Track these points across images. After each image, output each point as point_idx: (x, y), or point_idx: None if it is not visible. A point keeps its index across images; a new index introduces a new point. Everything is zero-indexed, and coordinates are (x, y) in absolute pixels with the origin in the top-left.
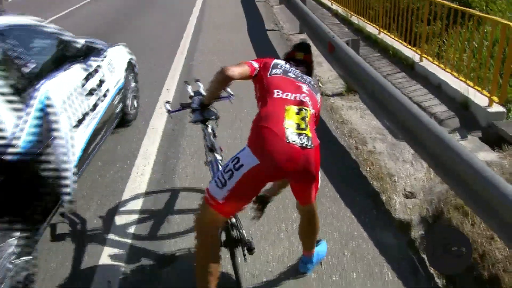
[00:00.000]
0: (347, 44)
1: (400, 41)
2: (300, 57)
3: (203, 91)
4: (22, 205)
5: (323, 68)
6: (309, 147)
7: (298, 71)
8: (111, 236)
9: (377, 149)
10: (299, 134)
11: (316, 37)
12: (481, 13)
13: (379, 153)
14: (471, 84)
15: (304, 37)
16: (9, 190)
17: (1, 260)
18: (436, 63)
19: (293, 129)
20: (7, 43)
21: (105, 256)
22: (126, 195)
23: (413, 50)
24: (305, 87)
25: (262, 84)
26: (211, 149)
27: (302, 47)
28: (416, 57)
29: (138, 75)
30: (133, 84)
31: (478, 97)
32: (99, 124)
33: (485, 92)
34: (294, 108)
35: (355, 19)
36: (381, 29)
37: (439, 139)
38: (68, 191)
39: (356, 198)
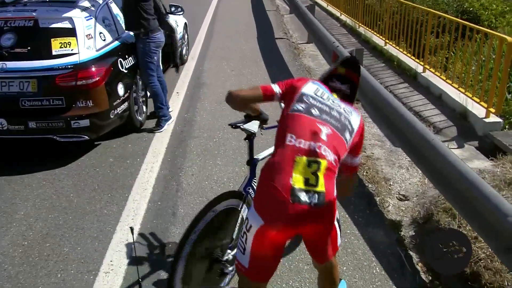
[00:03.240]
0: (351, 54)
1: (405, 53)
2: (341, 72)
3: None
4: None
5: None
6: (319, 205)
7: (330, 100)
8: (119, 226)
9: (375, 154)
10: (307, 192)
11: (322, 47)
12: (480, 27)
13: (376, 159)
14: (470, 95)
15: (311, 46)
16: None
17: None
18: (438, 74)
19: (300, 185)
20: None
21: (113, 243)
22: (135, 189)
23: (416, 61)
24: (325, 130)
25: (282, 120)
26: None
27: (347, 62)
28: (419, 68)
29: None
30: (186, 36)
31: (476, 108)
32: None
33: (482, 103)
34: (304, 160)
35: (362, 30)
36: (387, 41)
37: (430, 145)
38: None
39: (351, 199)
